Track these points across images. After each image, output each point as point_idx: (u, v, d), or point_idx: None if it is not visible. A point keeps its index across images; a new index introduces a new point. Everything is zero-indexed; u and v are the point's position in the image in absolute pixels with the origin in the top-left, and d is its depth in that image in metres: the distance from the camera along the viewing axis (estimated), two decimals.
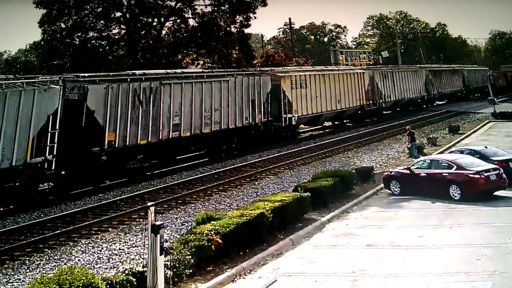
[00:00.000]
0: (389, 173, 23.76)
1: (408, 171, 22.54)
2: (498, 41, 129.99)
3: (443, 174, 21.25)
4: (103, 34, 47.44)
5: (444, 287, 12.43)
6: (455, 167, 21.16)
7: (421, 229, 17.35)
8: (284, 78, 39.52)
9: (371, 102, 51.94)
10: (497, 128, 44.21)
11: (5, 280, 14.31)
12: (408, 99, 60.64)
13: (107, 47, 48.02)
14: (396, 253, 15.17)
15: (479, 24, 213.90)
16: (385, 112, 57.36)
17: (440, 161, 22.21)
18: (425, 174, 21.87)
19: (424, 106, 64.06)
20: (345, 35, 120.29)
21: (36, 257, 16.00)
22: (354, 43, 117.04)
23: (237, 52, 50.84)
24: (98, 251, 16.27)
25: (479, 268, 13.40)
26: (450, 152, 27.05)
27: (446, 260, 14.21)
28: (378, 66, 65.95)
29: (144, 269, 11.83)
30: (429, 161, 22.74)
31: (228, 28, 49.00)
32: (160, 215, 19.60)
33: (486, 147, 24.66)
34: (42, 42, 49.65)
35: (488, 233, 16.45)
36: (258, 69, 42.22)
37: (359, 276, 13.56)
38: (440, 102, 70.19)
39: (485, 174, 20.54)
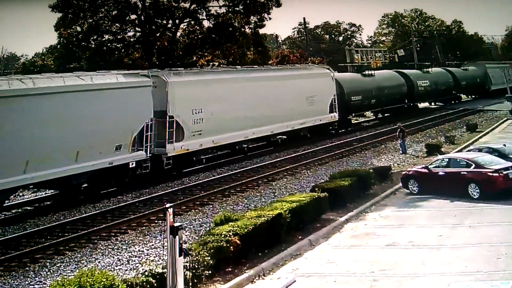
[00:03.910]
0: (407, 172, 23.65)
1: (426, 170, 22.41)
2: None
3: (462, 172, 21.09)
4: (119, 36, 47.74)
5: (465, 286, 12.35)
6: (473, 165, 20.99)
7: (440, 228, 17.24)
8: None
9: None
10: None
11: (27, 282, 14.48)
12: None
13: (123, 50, 48.30)
14: (416, 253, 15.10)
15: (495, 20, 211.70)
16: None
17: (458, 160, 22.05)
18: (444, 173, 21.72)
19: None
20: (360, 34, 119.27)
21: (57, 260, 16.16)
22: (369, 41, 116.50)
23: (252, 52, 50.88)
24: (118, 253, 16.40)
25: (500, 267, 13.30)
26: (469, 151, 26.87)
27: (466, 259, 14.12)
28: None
29: (164, 270, 11.89)
30: (447, 159, 22.59)
31: (242, 29, 49.03)
32: (179, 216, 19.68)
33: (504, 145, 24.43)
34: (58, 46, 50.28)
35: (507, 232, 16.31)
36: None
37: (378, 276, 13.52)
38: None
39: (504, 172, 20.35)
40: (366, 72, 51.18)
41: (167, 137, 26.89)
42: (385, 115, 53.62)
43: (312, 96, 38.90)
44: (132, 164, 25.14)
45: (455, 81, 64.61)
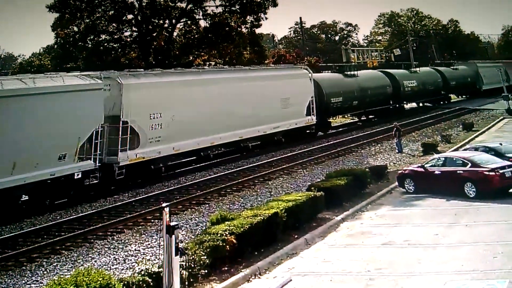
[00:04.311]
0: (403, 171, 23.69)
1: (422, 169, 22.44)
2: (511, 37, 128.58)
3: (458, 171, 21.12)
4: (115, 36, 47.79)
5: (461, 285, 12.37)
6: (469, 164, 21.02)
7: (436, 227, 17.27)
8: None
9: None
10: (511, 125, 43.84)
11: (23, 282, 14.48)
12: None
13: (120, 50, 48.35)
14: (412, 252, 15.13)
15: (492, 19, 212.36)
16: None
17: (454, 159, 22.09)
18: (440, 172, 21.75)
19: None
20: (356, 33, 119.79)
21: (53, 259, 16.15)
22: (366, 41, 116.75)
23: (248, 52, 50.89)
24: (114, 252, 16.40)
25: (496, 266, 13.32)
26: (465, 150, 26.92)
27: (462, 258, 14.15)
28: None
29: (160, 269, 11.90)
30: (443, 158, 22.62)
31: (239, 29, 49.06)
32: (175, 215, 19.67)
33: (501, 144, 24.49)
34: (55, 46, 50.19)
35: (504, 230, 16.32)
36: None
37: (374, 275, 13.54)
38: None
39: (500, 171, 20.37)
40: (348, 72, 48.57)
41: (119, 145, 24.76)
42: (370, 117, 51.51)
43: (287, 98, 36.64)
44: (78, 175, 22.80)
45: (444, 81, 62.45)
